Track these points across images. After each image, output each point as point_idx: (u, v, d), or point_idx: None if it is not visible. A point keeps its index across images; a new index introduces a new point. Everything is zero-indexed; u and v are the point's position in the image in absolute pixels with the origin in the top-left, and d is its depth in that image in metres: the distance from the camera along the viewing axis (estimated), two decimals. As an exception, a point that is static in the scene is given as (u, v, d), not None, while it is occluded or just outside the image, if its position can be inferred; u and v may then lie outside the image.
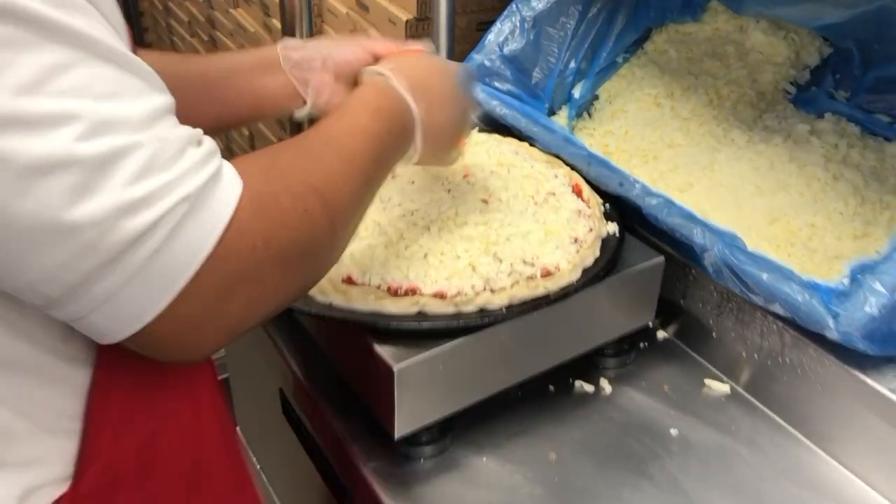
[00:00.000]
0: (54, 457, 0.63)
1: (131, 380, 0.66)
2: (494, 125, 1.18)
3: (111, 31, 0.54)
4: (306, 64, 0.90)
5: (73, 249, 0.49)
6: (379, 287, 0.81)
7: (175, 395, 0.71)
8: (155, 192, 0.50)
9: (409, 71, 0.77)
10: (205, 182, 0.52)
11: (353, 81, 0.89)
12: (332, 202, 0.61)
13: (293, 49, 0.90)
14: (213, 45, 2.36)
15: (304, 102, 0.91)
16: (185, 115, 0.82)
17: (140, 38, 3.17)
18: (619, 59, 1.29)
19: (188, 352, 0.57)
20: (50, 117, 0.47)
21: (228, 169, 0.55)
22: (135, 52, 0.67)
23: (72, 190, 0.48)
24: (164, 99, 0.54)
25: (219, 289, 0.54)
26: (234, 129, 2.22)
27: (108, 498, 0.65)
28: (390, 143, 0.72)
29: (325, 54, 0.90)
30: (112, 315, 0.52)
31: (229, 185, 0.54)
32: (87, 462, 0.64)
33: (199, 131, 0.56)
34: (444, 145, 0.84)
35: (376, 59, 0.89)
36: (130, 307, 0.52)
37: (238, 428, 1.37)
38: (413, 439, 0.84)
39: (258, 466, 1.37)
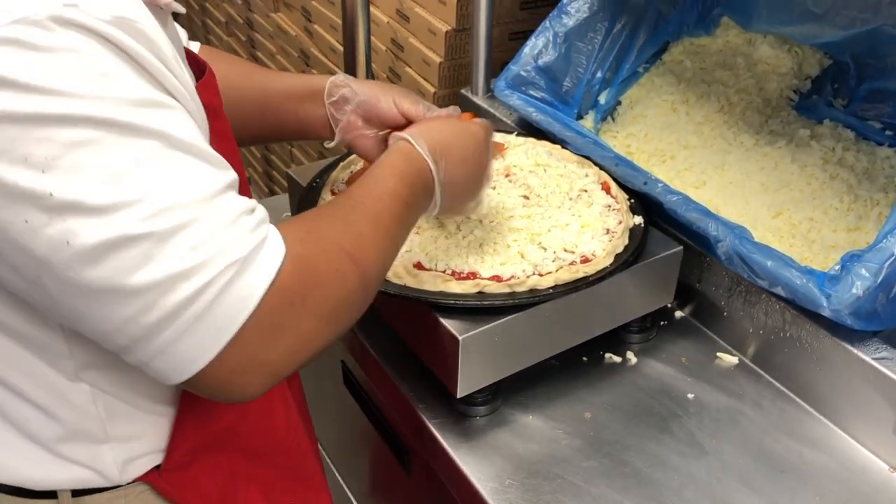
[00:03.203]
0: (149, 434, 0.77)
1: None
2: (530, 129, 1.33)
3: (189, 121, 0.63)
4: (342, 103, 1.00)
5: (136, 307, 0.58)
6: (444, 272, 0.96)
7: None
8: (207, 260, 0.58)
9: (430, 134, 0.85)
10: (252, 248, 0.61)
11: (381, 126, 0.99)
12: (362, 262, 0.69)
13: (337, 86, 1.00)
14: (252, 46, 2.50)
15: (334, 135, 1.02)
16: (241, 125, 0.96)
17: (173, 35, 3.29)
18: (641, 70, 1.43)
19: (235, 394, 0.64)
20: (123, 202, 0.56)
21: (274, 235, 0.63)
22: (201, 64, 0.80)
23: (137, 259, 0.57)
24: (225, 177, 0.62)
25: (261, 340, 0.62)
26: (279, 142, 2.37)
27: (190, 467, 0.80)
28: (413, 202, 0.80)
29: (360, 99, 0.99)
30: (170, 362, 0.61)
31: (273, 250, 0.62)
32: (177, 442, 0.78)
33: (254, 202, 0.65)
34: (463, 199, 0.92)
35: (407, 119, 0.97)
36: (186, 356, 0.60)
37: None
38: (470, 399, 0.99)
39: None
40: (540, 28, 1.36)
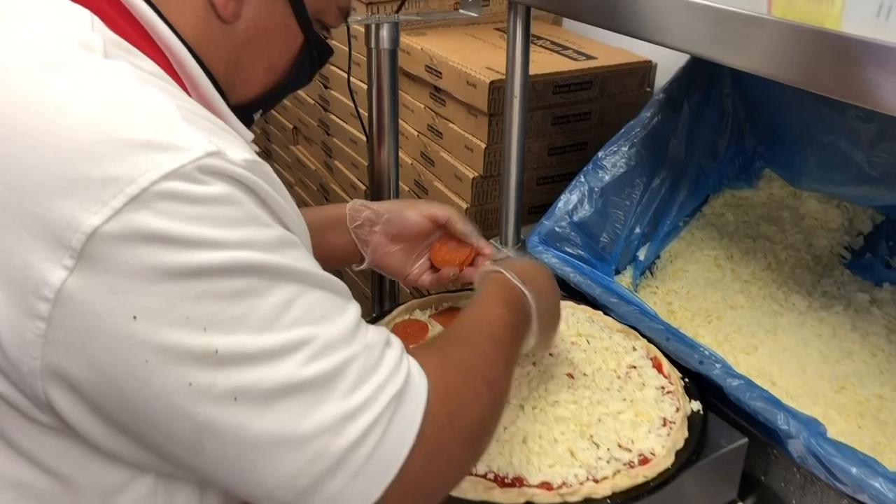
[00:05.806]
0: None
1: None
2: (567, 290, 1.24)
3: (309, 254, 0.63)
4: (368, 225, 1.02)
5: (306, 456, 0.56)
6: (486, 476, 0.86)
7: None
8: (370, 398, 0.58)
9: (517, 267, 0.90)
10: (404, 381, 0.61)
11: (408, 240, 1.03)
12: (494, 382, 0.71)
13: (358, 210, 1.02)
14: (269, 176, 2.47)
15: (363, 259, 1.02)
16: None
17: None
18: (680, 223, 1.37)
19: None
20: (284, 347, 0.55)
21: (414, 364, 0.64)
22: None
23: (304, 405, 0.55)
24: (355, 306, 0.63)
25: (421, 468, 0.61)
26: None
27: None
28: (520, 327, 0.83)
29: (386, 218, 1.02)
30: None
31: (419, 381, 0.63)
32: None
33: (386, 330, 0.65)
34: (552, 329, 0.94)
35: (435, 224, 1.02)
36: (352, 499, 0.58)
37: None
38: None
39: None
40: (574, 182, 1.30)
